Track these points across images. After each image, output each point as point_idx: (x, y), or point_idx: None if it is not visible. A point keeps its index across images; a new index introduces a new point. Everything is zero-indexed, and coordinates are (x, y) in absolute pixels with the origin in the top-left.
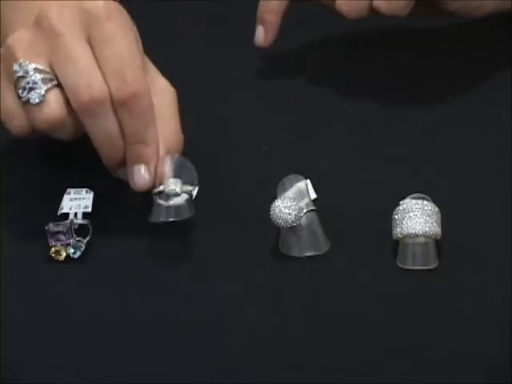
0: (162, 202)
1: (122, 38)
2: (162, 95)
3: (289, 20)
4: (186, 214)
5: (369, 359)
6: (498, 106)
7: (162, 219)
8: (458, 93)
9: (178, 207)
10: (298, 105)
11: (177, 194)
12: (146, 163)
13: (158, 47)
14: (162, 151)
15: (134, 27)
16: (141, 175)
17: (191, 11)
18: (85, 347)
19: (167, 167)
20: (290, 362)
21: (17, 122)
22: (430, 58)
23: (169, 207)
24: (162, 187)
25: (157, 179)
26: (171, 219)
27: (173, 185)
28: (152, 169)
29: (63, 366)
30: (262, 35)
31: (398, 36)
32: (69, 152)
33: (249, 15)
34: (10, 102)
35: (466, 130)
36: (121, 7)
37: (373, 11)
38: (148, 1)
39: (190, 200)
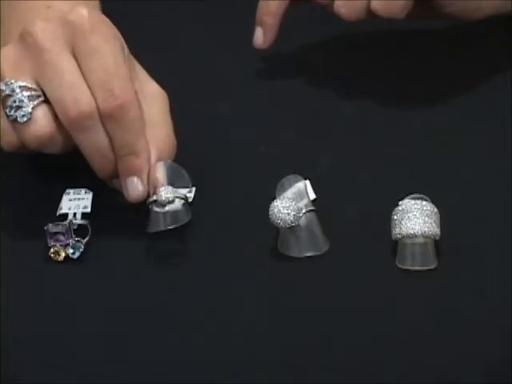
0: (158, 209)
1: (107, 49)
2: (153, 100)
3: (289, 20)
4: (184, 220)
5: (369, 359)
6: (497, 107)
7: (161, 228)
8: (457, 93)
9: (174, 213)
10: (298, 105)
11: (170, 202)
12: (138, 174)
13: (158, 47)
14: (153, 158)
15: (120, 36)
16: (134, 187)
17: (191, 11)
18: (85, 347)
19: (160, 174)
20: (290, 362)
21: (7, 138)
22: (430, 59)
23: (166, 214)
24: (154, 197)
25: (150, 187)
26: (169, 227)
27: (165, 193)
28: (145, 179)
29: (63, 366)
30: (260, 37)
31: (397, 37)
32: (68, 152)
33: (249, 15)
34: (1, 118)
35: (465, 130)
36: (105, 18)
37: (371, 13)
38: (148, 1)
39: (186, 204)
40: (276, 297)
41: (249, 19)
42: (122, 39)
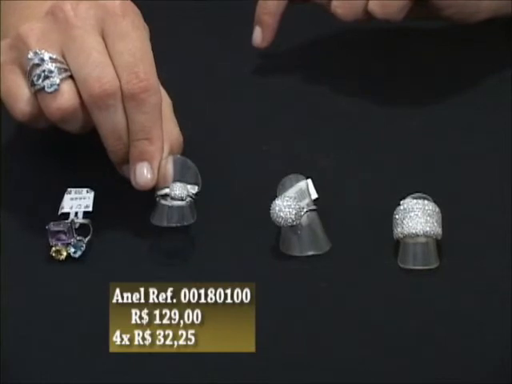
0: (165, 202)
1: (136, 35)
2: (162, 98)
3: (289, 19)
4: (188, 219)
5: (369, 359)
6: (497, 106)
7: (164, 224)
8: (457, 93)
9: (181, 210)
10: (298, 104)
11: (183, 199)
12: (150, 161)
13: (158, 47)
14: (166, 150)
15: (147, 29)
16: (143, 173)
17: (191, 11)
18: (85, 347)
19: (170, 168)
20: (290, 362)
21: (24, 107)
22: (431, 58)
23: (172, 209)
24: (167, 190)
25: (160, 179)
26: (174, 225)
27: (179, 189)
28: (155, 167)
29: (63, 366)
30: (259, 36)
31: (398, 36)
32: (70, 151)
33: (249, 15)
34: (16, 86)
35: (466, 129)
36: (136, 8)
37: (368, 14)
38: (148, 1)
39: (192, 203)
40: (276, 297)
41: (249, 19)
42: (148, 30)
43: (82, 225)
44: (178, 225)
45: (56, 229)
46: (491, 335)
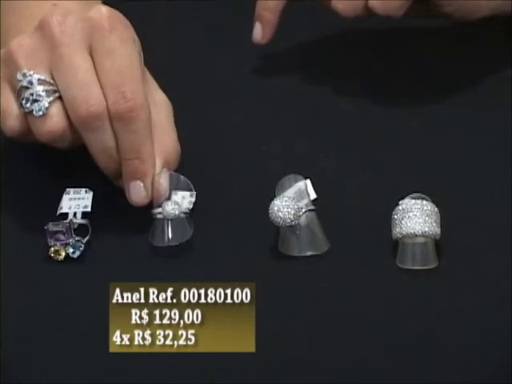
0: (161, 216)
1: (123, 51)
2: (160, 108)
3: (289, 19)
4: (186, 235)
5: (369, 359)
6: (497, 106)
7: (163, 244)
8: (457, 93)
9: (178, 226)
10: (298, 105)
11: (176, 216)
12: (142, 179)
13: (158, 47)
14: (160, 165)
15: (137, 40)
16: (137, 191)
17: (191, 11)
18: (85, 347)
19: (164, 183)
20: (290, 362)
21: (11, 122)
22: (431, 58)
23: (168, 226)
24: (160, 209)
25: (155, 195)
26: (172, 243)
27: (172, 207)
28: (148, 185)
29: (63, 366)
30: (259, 32)
31: (398, 36)
32: (69, 152)
33: (249, 15)
34: (6, 102)
35: (465, 129)
36: (125, 19)
37: (368, 11)
38: (148, 1)
39: (189, 216)
40: (276, 297)
41: (249, 19)
42: (139, 43)
43: (80, 225)
44: (177, 243)
45: (55, 229)
46: (491, 335)
